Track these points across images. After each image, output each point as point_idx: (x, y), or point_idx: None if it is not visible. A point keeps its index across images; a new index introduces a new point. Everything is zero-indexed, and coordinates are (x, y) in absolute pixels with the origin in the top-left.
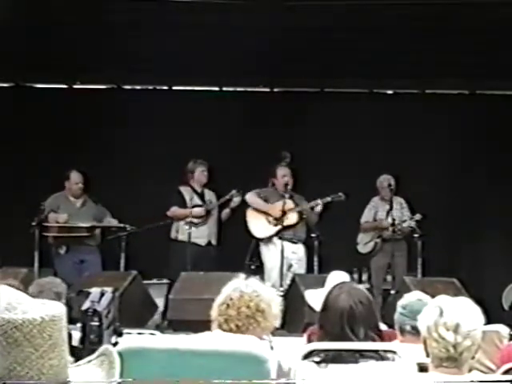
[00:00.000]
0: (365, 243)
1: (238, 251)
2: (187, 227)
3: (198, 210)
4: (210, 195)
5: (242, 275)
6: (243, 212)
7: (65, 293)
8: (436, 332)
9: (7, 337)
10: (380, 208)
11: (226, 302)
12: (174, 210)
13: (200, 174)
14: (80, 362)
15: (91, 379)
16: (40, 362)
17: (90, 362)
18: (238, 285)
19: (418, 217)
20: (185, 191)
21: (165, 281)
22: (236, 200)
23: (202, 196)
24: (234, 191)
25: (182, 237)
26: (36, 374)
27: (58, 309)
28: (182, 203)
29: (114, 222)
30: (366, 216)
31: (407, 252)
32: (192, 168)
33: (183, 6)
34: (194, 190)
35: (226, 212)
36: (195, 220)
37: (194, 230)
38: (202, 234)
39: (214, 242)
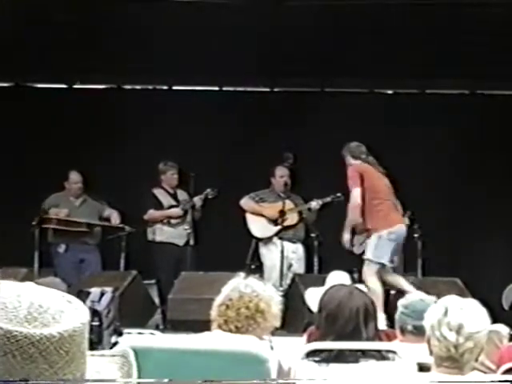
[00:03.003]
0: (360, 244)
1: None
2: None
3: (175, 211)
4: (183, 195)
5: (241, 274)
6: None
7: (65, 291)
8: (439, 331)
9: (22, 352)
10: None
11: (225, 302)
12: (151, 213)
13: (170, 176)
14: (95, 353)
15: (109, 379)
16: (53, 377)
17: (113, 356)
18: (237, 285)
19: (407, 214)
20: (158, 193)
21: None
22: (198, 202)
23: (175, 197)
24: (208, 190)
25: (160, 238)
26: None
27: (80, 320)
28: (158, 205)
29: (114, 214)
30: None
31: (402, 252)
32: (162, 170)
33: (183, 5)
34: (167, 192)
35: (195, 213)
36: (172, 221)
37: (172, 230)
38: (181, 235)
39: (191, 241)
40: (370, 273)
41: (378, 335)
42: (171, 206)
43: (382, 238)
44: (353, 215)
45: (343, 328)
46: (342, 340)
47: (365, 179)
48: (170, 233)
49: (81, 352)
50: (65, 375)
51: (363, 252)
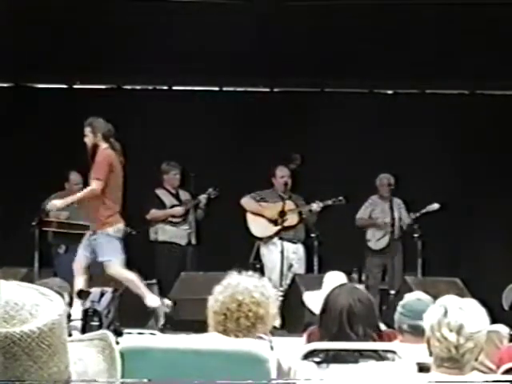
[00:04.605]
0: (377, 239)
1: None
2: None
3: (178, 210)
4: (185, 195)
5: (234, 273)
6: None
7: (68, 291)
8: (439, 332)
9: (5, 352)
10: (377, 207)
11: (222, 311)
12: (154, 213)
13: (172, 176)
14: (73, 339)
15: (92, 366)
16: (39, 372)
17: (91, 340)
18: (234, 290)
19: (436, 206)
20: (161, 193)
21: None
22: (203, 200)
23: (177, 197)
24: (210, 189)
25: (162, 237)
26: None
27: (57, 312)
28: (160, 205)
29: None
30: (362, 213)
31: (403, 252)
32: (165, 170)
33: (183, 6)
34: (169, 192)
35: (198, 212)
36: (175, 219)
37: (175, 229)
38: (183, 234)
39: (193, 241)
40: (116, 269)
41: (370, 336)
42: (173, 206)
43: (110, 235)
44: (82, 199)
45: (330, 329)
46: (332, 341)
47: (113, 172)
48: (173, 232)
49: (62, 343)
50: (50, 369)
51: (382, 248)
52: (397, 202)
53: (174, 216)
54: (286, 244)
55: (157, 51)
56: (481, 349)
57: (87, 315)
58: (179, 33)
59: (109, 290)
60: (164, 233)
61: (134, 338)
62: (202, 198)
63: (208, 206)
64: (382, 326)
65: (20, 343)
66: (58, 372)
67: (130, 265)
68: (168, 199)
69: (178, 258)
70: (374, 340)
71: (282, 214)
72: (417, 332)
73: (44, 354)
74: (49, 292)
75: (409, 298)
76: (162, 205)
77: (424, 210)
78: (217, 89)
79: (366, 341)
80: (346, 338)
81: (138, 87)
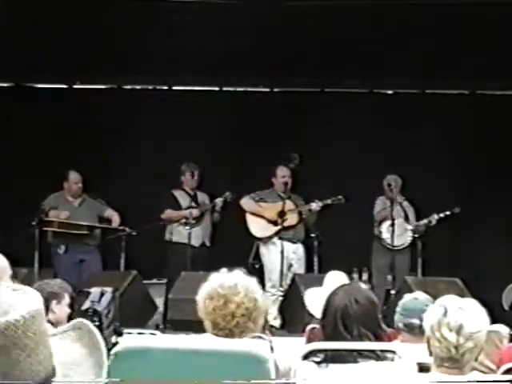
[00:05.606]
0: (397, 235)
1: (230, 252)
2: (188, 227)
3: (193, 212)
4: (202, 197)
5: (223, 271)
6: (236, 213)
7: (69, 292)
8: (439, 332)
9: None
10: (385, 205)
11: (241, 312)
12: (169, 213)
13: (189, 177)
14: (55, 332)
15: (73, 356)
16: (28, 360)
17: (65, 332)
18: (246, 290)
19: (457, 210)
20: (178, 194)
21: (163, 280)
22: (219, 203)
23: (194, 198)
24: (227, 193)
25: (177, 238)
26: (27, 374)
27: (36, 301)
28: (176, 206)
29: (115, 216)
30: (378, 208)
31: (409, 252)
32: (182, 171)
33: (183, 6)
34: (187, 193)
35: (215, 215)
36: (190, 221)
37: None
38: (197, 235)
39: (207, 243)
40: None
41: (366, 336)
42: (189, 207)
43: None
44: None
45: (327, 329)
46: (329, 341)
47: None
48: (187, 233)
49: (43, 331)
50: (37, 356)
51: (394, 246)
52: (404, 204)
53: (187, 218)
54: (286, 244)
55: (157, 51)
56: (481, 349)
57: (87, 315)
58: (179, 33)
59: (109, 289)
60: (178, 233)
61: (134, 338)
62: (219, 201)
63: (224, 208)
64: (385, 327)
65: (6, 333)
66: (45, 359)
67: (130, 265)
68: (184, 200)
69: (191, 259)
70: (371, 340)
71: (282, 213)
72: (411, 330)
73: (31, 341)
74: (21, 287)
75: (407, 297)
76: (177, 205)
77: (448, 212)
78: (217, 89)
79: (361, 341)
80: (340, 338)
81: (138, 87)
